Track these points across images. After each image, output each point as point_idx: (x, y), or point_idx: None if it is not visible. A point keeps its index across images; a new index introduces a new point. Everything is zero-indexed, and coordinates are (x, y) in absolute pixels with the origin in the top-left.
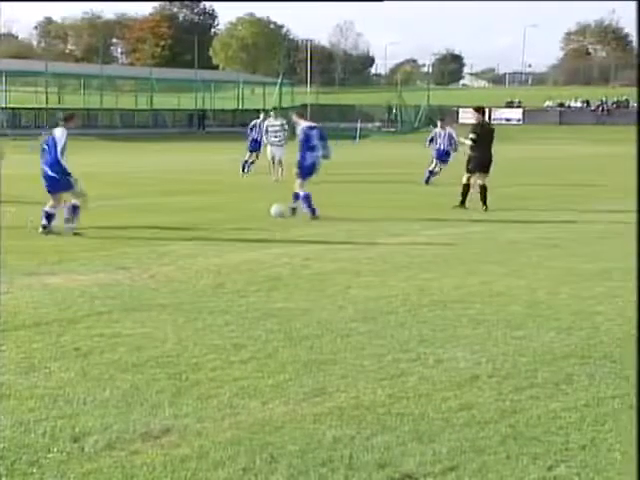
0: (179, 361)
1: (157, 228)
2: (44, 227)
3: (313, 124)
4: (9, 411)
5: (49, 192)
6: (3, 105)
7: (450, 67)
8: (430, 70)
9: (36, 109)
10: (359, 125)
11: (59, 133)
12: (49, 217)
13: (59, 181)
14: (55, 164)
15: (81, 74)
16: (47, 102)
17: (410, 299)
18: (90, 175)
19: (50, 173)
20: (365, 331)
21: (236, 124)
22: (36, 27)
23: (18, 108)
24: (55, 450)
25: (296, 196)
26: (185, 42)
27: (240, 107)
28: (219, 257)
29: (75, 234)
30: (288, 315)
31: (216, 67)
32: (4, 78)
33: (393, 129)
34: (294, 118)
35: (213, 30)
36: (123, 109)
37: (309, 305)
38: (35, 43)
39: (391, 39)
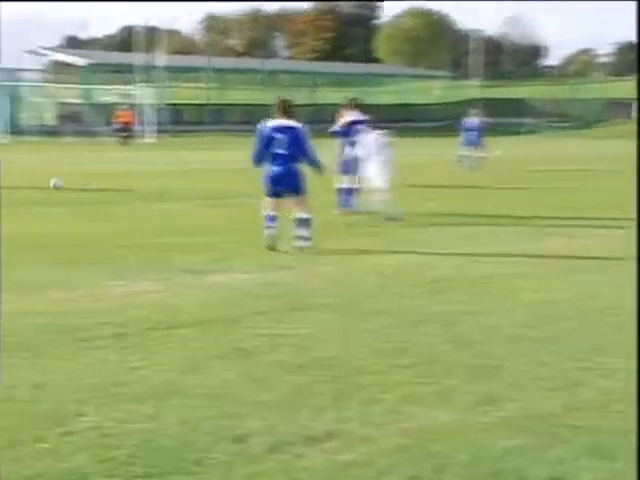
0: (342, 363)
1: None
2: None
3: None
4: (174, 408)
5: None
6: (166, 102)
7: (629, 57)
8: (607, 60)
9: (198, 105)
10: (530, 120)
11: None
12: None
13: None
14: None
15: (243, 69)
16: (209, 98)
17: (581, 304)
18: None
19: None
20: (535, 337)
21: (400, 119)
22: (200, 22)
23: (180, 104)
24: (219, 450)
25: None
26: (347, 35)
27: (401, 102)
28: (383, 257)
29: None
30: (453, 318)
31: (377, 60)
32: (167, 74)
33: (566, 124)
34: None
35: (376, 22)
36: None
37: (476, 308)
38: (198, 38)
39: (563, 29)
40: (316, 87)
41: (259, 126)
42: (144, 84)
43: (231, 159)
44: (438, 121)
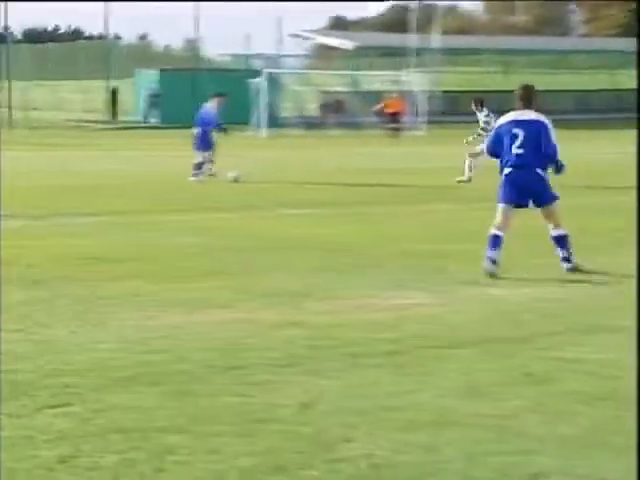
0: None
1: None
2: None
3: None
4: (453, 440)
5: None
6: (441, 89)
7: None
8: None
9: (476, 92)
10: None
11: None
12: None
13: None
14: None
15: (530, 49)
16: (488, 84)
17: None
18: None
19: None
20: None
21: None
22: None
23: (456, 91)
24: None
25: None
26: None
27: None
28: None
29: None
30: None
31: None
32: (442, 57)
33: None
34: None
35: None
36: (577, 90)
37: None
38: (477, 15)
39: None
40: (616, 69)
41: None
42: (416, 69)
43: None
44: None
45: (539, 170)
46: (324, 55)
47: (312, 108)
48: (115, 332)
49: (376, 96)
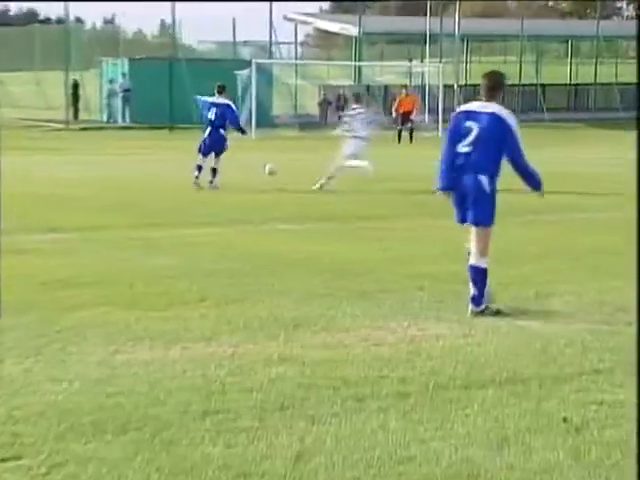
0: None
1: None
2: None
3: None
4: None
5: None
6: (464, 82)
7: None
8: None
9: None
10: None
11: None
12: None
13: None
14: None
15: (568, 35)
16: (520, 76)
17: None
18: (564, 175)
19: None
20: None
21: None
22: None
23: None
24: None
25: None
26: None
27: None
28: None
29: None
30: None
31: None
32: (462, 45)
33: None
34: None
35: None
36: (623, 83)
37: None
38: None
39: None
40: None
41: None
42: (432, 59)
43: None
44: None
45: (483, 178)
46: (325, 43)
47: (310, 105)
48: (77, 369)
49: (385, 91)
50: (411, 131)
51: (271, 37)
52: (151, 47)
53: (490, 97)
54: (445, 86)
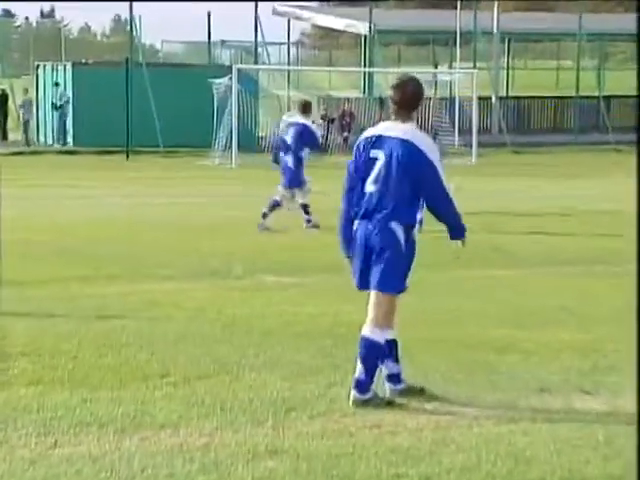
0: None
1: None
2: None
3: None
4: None
5: None
6: (504, 93)
7: None
8: None
9: (557, 98)
10: None
11: None
12: None
13: None
14: None
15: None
16: (578, 86)
17: None
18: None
19: None
20: None
21: None
22: None
23: (526, 97)
24: None
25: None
26: None
27: None
28: None
29: None
30: None
31: None
32: (507, 47)
33: None
34: None
35: None
36: None
37: None
38: None
39: None
40: None
41: None
42: (464, 64)
43: None
44: None
45: (397, 227)
46: (326, 43)
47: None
48: (2, 469)
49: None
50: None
51: (257, 36)
52: (102, 48)
53: (401, 115)
54: (480, 98)
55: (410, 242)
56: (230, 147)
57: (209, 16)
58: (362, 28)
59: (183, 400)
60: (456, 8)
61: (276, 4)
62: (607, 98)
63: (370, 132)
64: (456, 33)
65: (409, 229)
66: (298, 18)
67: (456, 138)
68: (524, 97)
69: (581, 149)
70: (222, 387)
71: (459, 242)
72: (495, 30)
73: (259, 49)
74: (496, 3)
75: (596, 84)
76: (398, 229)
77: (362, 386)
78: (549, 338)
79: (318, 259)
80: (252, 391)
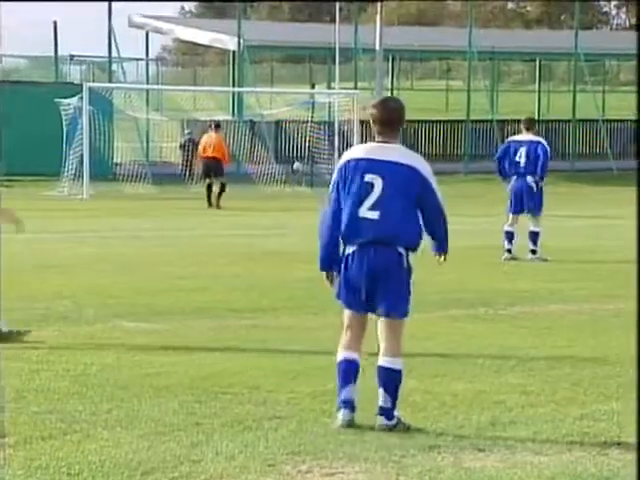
0: None
1: None
2: None
3: None
4: None
5: None
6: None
7: None
8: None
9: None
10: None
11: None
12: None
13: None
14: None
15: (535, 51)
16: (469, 109)
17: None
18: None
19: None
20: None
21: None
22: None
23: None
24: None
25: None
26: None
27: None
28: None
29: None
30: None
31: None
32: (391, 65)
33: None
34: None
35: None
36: (612, 120)
37: None
38: None
39: None
40: None
41: None
42: (343, 84)
43: None
44: None
45: (403, 251)
46: (190, 60)
47: (168, 149)
48: None
49: (277, 128)
50: (219, 190)
51: (111, 50)
52: None
53: (387, 135)
54: (362, 122)
55: (410, 265)
56: (81, 176)
57: (55, 26)
58: (230, 43)
59: (23, 465)
60: (334, 21)
61: (133, 15)
62: (501, 122)
63: (356, 154)
64: (335, 49)
65: (413, 252)
66: (158, 31)
67: (336, 165)
68: (411, 121)
69: (473, 178)
70: (70, 448)
71: (442, 256)
72: (377, 47)
73: (114, 65)
74: (378, 16)
75: (489, 107)
76: (404, 253)
77: (388, 413)
78: (440, 389)
79: (182, 303)
80: (104, 452)
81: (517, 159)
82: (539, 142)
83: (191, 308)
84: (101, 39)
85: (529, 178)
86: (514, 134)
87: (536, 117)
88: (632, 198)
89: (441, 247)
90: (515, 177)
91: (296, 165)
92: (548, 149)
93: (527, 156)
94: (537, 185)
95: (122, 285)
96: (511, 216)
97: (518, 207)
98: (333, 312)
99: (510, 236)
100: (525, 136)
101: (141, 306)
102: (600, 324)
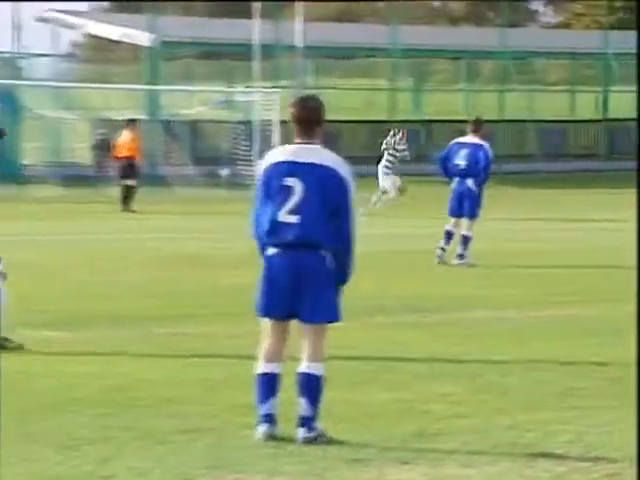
0: None
1: None
2: None
3: None
4: None
5: None
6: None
7: None
8: None
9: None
10: None
11: None
12: None
13: None
14: None
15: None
16: (395, 107)
17: None
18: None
19: None
20: None
21: None
22: None
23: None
24: None
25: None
26: None
27: None
28: None
29: None
30: None
31: None
32: (313, 62)
33: None
34: None
35: None
36: (542, 120)
37: None
38: None
39: None
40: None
41: None
42: (263, 83)
43: None
44: None
45: (327, 255)
46: (102, 56)
47: (80, 149)
48: None
49: (195, 129)
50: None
51: (17, 45)
52: None
53: (307, 135)
54: (283, 122)
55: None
56: None
57: None
58: (143, 38)
59: None
60: (253, 17)
61: (41, 9)
62: (427, 123)
63: (277, 157)
64: (254, 46)
65: (346, 254)
66: (67, 26)
67: (256, 167)
68: (333, 121)
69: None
70: None
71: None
72: (298, 43)
73: (20, 61)
74: (300, 11)
75: (414, 107)
76: (328, 256)
77: (309, 423)
78: (364, 399)
79: (97, 311)
80: (12, 467)
81: (457, 162)
82: (481, 145)
83: (104, 315)
84: (6, 33)
85: (469, 181)
86: (440, 134)
87: (462, 117)
88: (559, 201)
89: (345, 279)
90: (457, 180)
91: (225, 172)
92: (490, 153)
93: (468, 159)
94: (478, 189)
95: (29, 292)
96: (453, 220)
97: (457, 211)
98: (257, 319)
99: (449, 235)
100: (469, 138)
101: (51, 313)
102: (527, 331)
